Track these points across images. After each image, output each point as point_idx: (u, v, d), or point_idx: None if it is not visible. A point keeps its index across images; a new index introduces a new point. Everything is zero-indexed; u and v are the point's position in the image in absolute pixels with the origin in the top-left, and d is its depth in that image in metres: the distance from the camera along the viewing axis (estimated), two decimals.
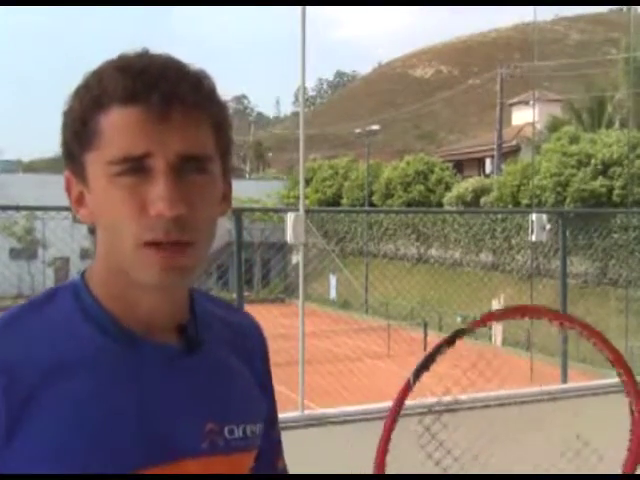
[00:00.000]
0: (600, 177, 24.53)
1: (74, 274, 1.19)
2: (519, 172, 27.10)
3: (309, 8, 3.86)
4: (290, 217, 3.97)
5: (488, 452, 2.14)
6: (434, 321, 21.76)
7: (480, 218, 24.97)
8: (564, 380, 5.04)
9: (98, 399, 1.06)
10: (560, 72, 50.07)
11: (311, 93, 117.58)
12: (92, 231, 1.13)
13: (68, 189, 1.13)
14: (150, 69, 1.05)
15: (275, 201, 33.38)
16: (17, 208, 6.21)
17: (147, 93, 1.03)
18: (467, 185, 30.16)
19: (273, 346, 1.35)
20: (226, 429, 1.15)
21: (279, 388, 1.36)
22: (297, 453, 1.50)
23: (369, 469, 1.43)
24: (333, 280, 28.07)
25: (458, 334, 1.51)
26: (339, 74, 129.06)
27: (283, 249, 18.86)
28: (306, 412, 3.76)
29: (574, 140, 26.38)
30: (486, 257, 26.13)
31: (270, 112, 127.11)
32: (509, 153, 36.13)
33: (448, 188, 31.37)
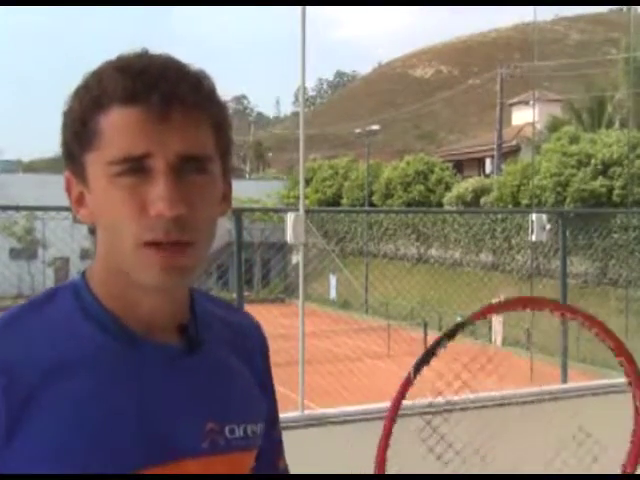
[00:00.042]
0: (600, 177, 24.53)
1: (74, 274, 1.19)
2: (519, 172, 27.10)
3: (309, 8, 3.87)
4: (290, 217, 3.97)
5: (489, 445, 2.15)
6: (434, 321, 21.73)
7: (480, 218, 24.96)
8: (564, 380, 5.05)
9: (98, 399, 1.06)
10: (560, 72, 50.07)
11: (311, 93, 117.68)
12: (92, 231, 1.13)
13: (68, 189, 1.14)
14: (150, 69, 1.05)
15: (275, 201, 33.37)
16: (17, 208, 6.21)
17: (147, 93, 1.04)
18: (467, 185, 30.15)
19: (273, 346, 1.35)
20: (227, 428, 1.15)
21: (279, 388, 1.36)
22: (297, 453, 1.50)
23: (369, 469, 1.43)
24: (333, 280, 28.07)
25: (459, 327, 1.50)
26: (339, 74, 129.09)
27: (283, 249, 18.85)
28: (306, 412, 3.77)
29: (574, 140, 26.38)
30: (486, 257, 26.12)
31: (270, 112, 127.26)
32: (509, 153, 36.12)
33: (448, 188, 31.36)
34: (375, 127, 41.31)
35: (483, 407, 3.92)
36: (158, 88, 1.04)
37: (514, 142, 36.18)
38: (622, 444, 1.64)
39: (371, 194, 32.75)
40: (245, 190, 26.64)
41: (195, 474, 1.11)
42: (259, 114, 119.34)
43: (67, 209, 1.24)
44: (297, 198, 4.27)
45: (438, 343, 1.48)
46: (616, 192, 23.86)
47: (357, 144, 45.93)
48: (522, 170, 26.94)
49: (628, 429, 1.61)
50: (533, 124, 31.81)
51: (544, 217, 4.87)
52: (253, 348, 1.29)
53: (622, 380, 1.60)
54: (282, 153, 57.47)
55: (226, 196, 1.15)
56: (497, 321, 19.62)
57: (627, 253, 19.68)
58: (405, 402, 1.49)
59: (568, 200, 24.78)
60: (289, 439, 1.38)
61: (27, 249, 25.55)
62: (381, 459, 1.41)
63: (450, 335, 1.49)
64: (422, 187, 31.78)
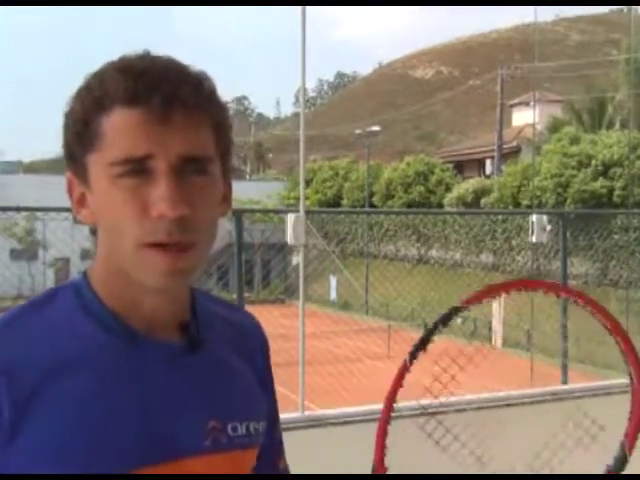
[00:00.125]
0: (601, 178, 24.51)
1: (74, 275, 1.19)
2: (519, 173, 27.09)
3: (309, 8, 3.86)
4: (290, 218, 3.98)
5: (486, 445, 2.15)
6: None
7: (480, 219, 24.94)
8: (564, 381, 5.05)
9: (100, 398, 1.06)
10: (560, 73, 50.09)
11: (311, 94, 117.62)
12: (93, 232, 1.14)
13: (70, 190, 1.14)
14: (151, 71, 1.06)
15: (275, 202, 33.35)
16: (18, 209, 6.20)
17: (148, 95, 1.04)
18: (467, 186, 30.14)
19: (273, 347, 1.35)
20: (229, 426, 1.15)
21: (279, 389, 1.36)
22: (297, 454, 1.50)
23: (369, 470, 1.43)
24: (333, 281, 28.05)
25: (453, 312, 1.49)
26: (339, 75, 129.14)
27: (283, 250, 18.83)
28: (306, 413, 3.77)
29: (574, 141, 26.37)
30: (486, 258, 26.11)
31: (270, 113, 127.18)
32: (509, 154, 36.11)
33: (448, 189, 31.35)
34: (375, 128, 41.27)
35: (482, 408, 3.92)
36: (160, 90, 1.04)
37: (514, 143, 36.17)
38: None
39: (371, 195, 32.73)
40: (245, 191, 26.61)
41: (197, 472, 1.11)
42: (259, 115, 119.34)
43: (68, 210, 1.25)
44: (297, 199, 4.27)
45: (434, 329, 1.48)
46: (617, 193, 23.86)
47: (357, 145, 45.92)
48: (522, 171, 26.93)
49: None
50: (533, 125, 31.81)
51: (544, 218, 4.87)
52: (254, 347, 1.29)
53: (622, 381, 1.60)
54: (282, 154, 57.45)
55: (226, 197, 1.16)
56: (497, 322, 19.63)
57: (628, 254, 19.66)
58: (406, 403, 1.49)
59: (568, 201, 24.77)
60: (289, 440, 1.38)
61: (27, 250, 25.54)
62: (379, 457, 1.41)
63: (445, 321, 1.48)
64: (422, 188, 31.77)
